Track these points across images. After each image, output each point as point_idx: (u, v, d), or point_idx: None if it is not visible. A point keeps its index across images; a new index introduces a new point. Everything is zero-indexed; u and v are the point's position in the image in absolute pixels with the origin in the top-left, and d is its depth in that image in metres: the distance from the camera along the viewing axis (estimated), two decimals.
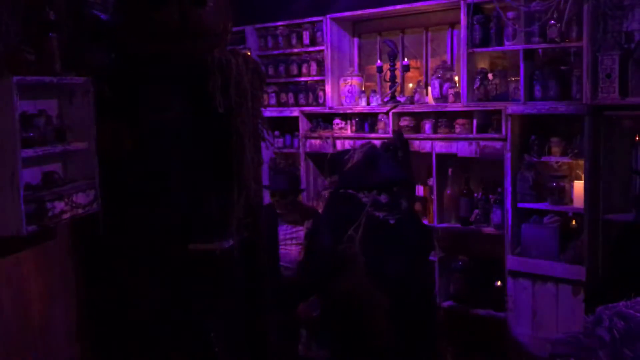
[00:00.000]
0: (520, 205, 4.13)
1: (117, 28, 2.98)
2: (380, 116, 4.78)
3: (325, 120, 5.12)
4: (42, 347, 2.74)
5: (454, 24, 4.70)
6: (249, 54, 3.31)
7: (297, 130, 5.20)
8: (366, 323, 3.41)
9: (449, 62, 4.73)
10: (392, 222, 3.66)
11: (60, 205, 2.50)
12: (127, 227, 2.96)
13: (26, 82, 2.42)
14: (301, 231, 4.36)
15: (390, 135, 4.66)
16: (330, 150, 4.99)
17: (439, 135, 4.48)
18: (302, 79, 5.30)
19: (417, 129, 4.62)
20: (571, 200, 4.03)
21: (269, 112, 4.81)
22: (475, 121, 4.35)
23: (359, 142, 4.86)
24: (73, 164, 2.75)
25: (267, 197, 4.62)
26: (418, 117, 4.64)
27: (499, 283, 4.29)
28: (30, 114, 2.53)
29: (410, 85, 4.96)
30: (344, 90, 5.02)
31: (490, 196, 4.37)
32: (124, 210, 2.93)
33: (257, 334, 3.37)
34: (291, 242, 4.35)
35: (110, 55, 2.93)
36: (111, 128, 2.87)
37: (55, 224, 2.58)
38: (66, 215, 2.54)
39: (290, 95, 5.32)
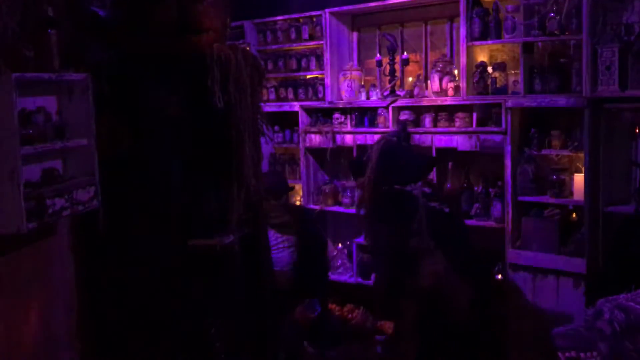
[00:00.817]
0: (520, 198, 4.13)
1: (115, 24, 2.97)
2: (380, 110, 4.78)
3: (325, 114, 5.12)
4: (43, 345, 2.74)
5: (453, 18, 4.69)
6: (248, 49, 3.30)
7: (297, 125, 5.20)
8: (454, 313, 3.42)
9: (448, 56, 4.72)
10: (447, 210, 3.86)
11: (60, 202, 2.50)
12: (127, 224, 2.96)
13: (25, 79, 2.42)
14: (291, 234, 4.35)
15: (390, 128, 4.66)
16: (330, 145, 4.98)
17: (438, 129, 4.48)
18: (302, 73, 5.29)
19: (416, 123, 4.61)
20: (571, 193, 4.03)
21: (268, 107, 4.80)
22: (475, 115, 4.34)
23: (358, 137, 4.86)
24: (73, 161, 2.75)
25: None
26: (418, 111, 4.64)
27: (499, 276, 4.30)
28: (29, 111, 2.53)
29: (410, 79, 4.95)
30: (343, 85, 5.02)
31: (491, 190, 4.37)
32: (124, 206, 2.93)
33: (258, 329, 3.37)
34: (283, 247, 4.33)
35: (109, 51, 2.93)
36: (110, 124, 2.87)
37: (56, 221, 2.58)
38: (66, 212, 2.55)
39: (290, 90, 5.31)
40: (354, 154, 4.90)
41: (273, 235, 4.21)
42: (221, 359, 3.09)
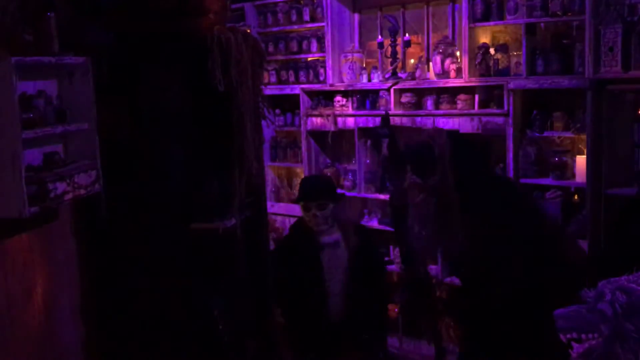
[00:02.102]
0: (522, 180, 4.13)
1: (115, 7, 2.95)
2: (381, 93, 4.76)
3: (326, 97, 5.10)
4: (47, 328, 2.76)
5: None
6: (248, 31, 3.28)
7: (298, 108, 5.18)
8: None
9: (450, 37, 4.69)
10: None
11: (62, 186, 2.50)
12: (129, 207, 2.97)
13: (25, 63, 2.40)
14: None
15: (392, 111, 4.64)
16: (331, 128, 4.97)
17: (440, 112, 4.46)
18: (303, 56, 5.26)
19: (418, 105, 4.60)
20: (573, 175, 4.03)
21: (269, 90, 4.78)
22: (477, 97, 4.33)
23: (360, 120, 4.85)
24: (74, 145, 2.75)
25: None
26: (419, 93, 4.62)
27: None
28: (30, 95, 2.52)
29: (412, 61, 4.92)
30: (344, 67, 4.99)
31: None
32: (125, 190, 2.93)
33: (261, 312, 3.39)
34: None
35: (109, 34, 2.91)
36: (111, 108, 2.86)
37: (58, 205, 2.58)
38: (68, 196, 2.55)
39: (291, 72, 5.29)
40: (356, 136, 4.89)
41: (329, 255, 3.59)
42: (224, 341, 3.11)
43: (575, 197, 4.12)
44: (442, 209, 3.06)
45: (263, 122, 3.38)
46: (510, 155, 4.14)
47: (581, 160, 3.94)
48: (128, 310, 3.00)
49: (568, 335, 1.94)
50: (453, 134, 3.46)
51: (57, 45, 2.58)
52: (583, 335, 1.92)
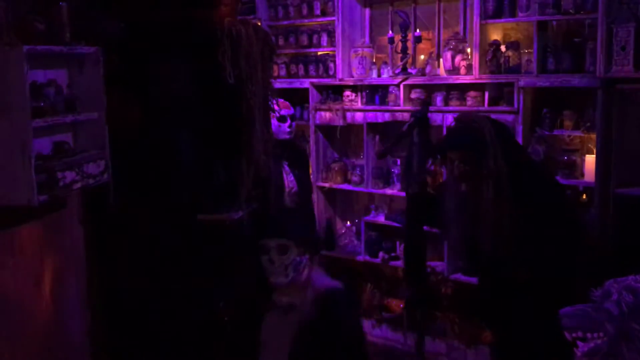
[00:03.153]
0: None
1: None
2: (391, 88, 4.75)
3: (335, 92, 5.09)
4: (54, 315, 2.78)
5: None
6: (259, 24, 3.29)
7: (307, 102, 5.18)
8: None
9: (461, 34, 4.67)
10: None
11: (71, 175, 2.51)
12: (137, 197, 2.98)
13: (36, 52, 2.42)
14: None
15: (401, 107, 4.64)
16: (340, 122, 4.96)
17: (450, 108, 4.45)
18: (313, 50, 5.26)
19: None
20: (582, 174, 4.01)
21: (278, 84, 4.78)
22: (487, 94, 4.31)
23: (369, 115, 4.84)
24: (83, 134, 2.76)
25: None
26: (429, 89, 4.61)
27: None
28: (40, 84, 2.53)
29: (422, 57, 4.91)
30: (354, 62, 4.98)
31: None
32: (133, 180, 2.94)
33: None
34: None
35: (120, 24, 2.92)
36: (120, 98, 2.87)
37: (66, 194, 2.60)
38: (77, 185, 2.56)
39: (301, 66, 5.28)
40: (364, 131, 4.88)
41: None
42: (229, 332, 3.12)
43: (584, 196, 4.10)
44: (494, 197, 2.87)
45: (272, 115, 3.38)
46: None
47: (590, 160, 3.93)
48: (134, 300, 3.01)
49: (574, 334, 1.94)
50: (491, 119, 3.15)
51: (69, 34, 2.59)
52: (589, 334, 1.92)
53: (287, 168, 4.25)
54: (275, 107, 3.88)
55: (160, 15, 2.93)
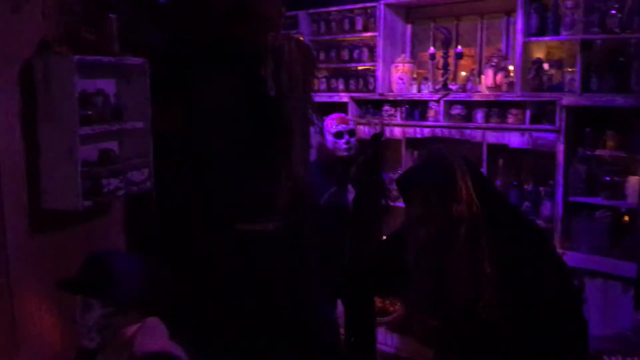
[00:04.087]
0: (571, 198, 4.06)
1: (174, 10, 3.03)
2: (431, 104, 4.74)
3: (374, 106, 5.11)
4: None
5: (510, 12, 4.61)
6: (301, 39, 3.33)
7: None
8: None
9: (503, 51, 4.65)
10: None
11: (115, 182, 2.58)
12: (178, 205, 3.03)
13: (86, 62, 2.49)
14: None
15: (441, 123, 4.62)
16: None
17: (490, 125, 4.42)
18: (353, 64, 5.29)
19: (468, 117, 4.57)
20: (625, 196, 3.93)
21: (318, 98, 4.81)
22: (528, 112, 4.27)
23: (408, 130, 4.84)
24: (128, 143, 2.83)
25: None
26: (470, 105, 4.59)
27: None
28: (89, 93, 2.61)
29: (463, 73, 4.89)
30: (395, 77, 5.00)
31: (541, 188, 4.29)
32: (175, 188, 3.00)
33: (300, 315, 3.41)
34: None
35: (166, 37, 2.99)
36: (165, 108, 2.94)
37: (110, 201, 2.66)
38: (120, 192, 2.62)
39: (341, 80, 5.32)
40: (403, 146, 4.88)
41: None
42: (260, 342, 3.14)
43: (626, 218, 4.02)
44: (465, 244, 2.29)
45: (311, 129, 3.41)
46: (560, 172, 4.07)
47: (634, 181, 3.85)
48: (171, 308, 3.06)
49: (613, 358, 1.91)
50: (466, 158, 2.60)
51: (118, 45, 2.67)
52: (628, 358, 1.89)
53: (350, 188, 3.75)
54: (331, 121, 3.86)
55: (205, 28, 2.99)
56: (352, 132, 3.94)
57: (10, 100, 2.38)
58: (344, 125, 3.92)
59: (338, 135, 3.90)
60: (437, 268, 2.34)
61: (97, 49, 2.61)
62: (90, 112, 2.54)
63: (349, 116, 4.13)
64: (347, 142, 3.90)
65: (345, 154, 3.89)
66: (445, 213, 2.32)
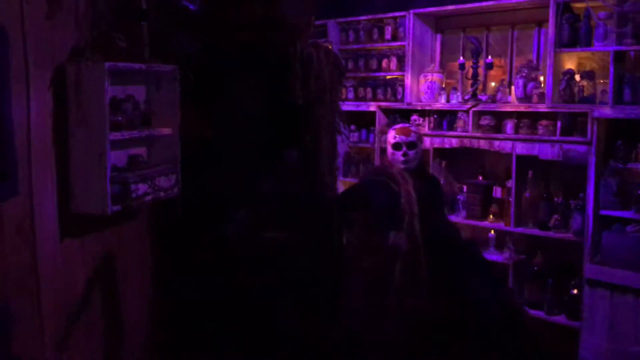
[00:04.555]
0: (602, 212, 3.98)
1: (204, 19, 3.06)
2: (459, 114, 4.71)
3: (402, 116, 5.08)
4: (118, 319, 2.86)
5: (541, 23, 4.57)
6: (330, 47, 3.33)
7: (373, 125, 5.19)
8: None
9: (534, 62, 4.60)
10: None
11: (143, 187, 2.60)
12: (204, 211, 3.05)
13: (117, 68, 2.53)
14: None
15: (469, 133, 4.58)
16: None
17: (520, 136, 4.37)
18: (382, 74, 5.27)
19: (497, 128, 4.52)
20: None
21: (346, 106, 4.82)
22: (559, 123, 4.22)
23: (436, 140, 4.81)
24: (157, 149, 2.86)
25: None
26: (499, 116, 4.54)
27: (575, 291, 4.16)
28: (120, 99, 2.64)
29: (493, 84, 4.85)
30: (423, 87, 4.97)
31: (571, 201, 4.23)
32: (201, 194, 3.01)
33: (324, 329, 3.39)
34: None
35: (196, 44, 3.02)
36: (193, 115, 2.96)
37: (138, 206, 2.68)
38: (148, 198, 2.65)
39: (369, 89, 5.31)
40: (430, 156, 4.85)
41: None
42: (287, 349, 3.13)
43: None
44: (404, 276, 2.19)
45: (338, 137, 3.40)
46: (591, 185, 4.00)
47: None
48: (193, 310, 3.07)
49: None
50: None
51: (148, 53, 2.70)
52: None
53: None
54: (392, 132, 3.70)
55: (235, 37, 3.01)
56: (411, 145, 3.70)
57: (42, 105, 2.42)
58: (403, 137, 3.69)
59: (396, 146, 3.67)
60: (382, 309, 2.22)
61: (128, 56, 2.64)
62: (120, 118, 2.57)
63: (413, 127, 3.89)
64: (405, 154, 3.65)
65: (402, 166, 3.63)
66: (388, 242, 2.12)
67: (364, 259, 2.26)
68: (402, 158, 3.61)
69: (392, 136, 3.69)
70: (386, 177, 2.51)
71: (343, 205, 2.64)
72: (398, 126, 3.78)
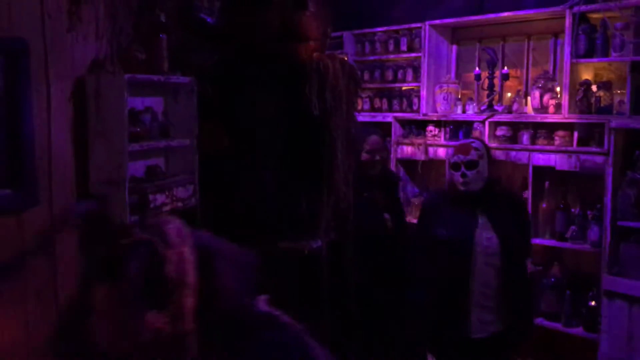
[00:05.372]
0: (620, 223, 3.95)
1: (221, 31, 3.10)
2: (475, 125, 4.71)
3: (418, 126, 5.09)
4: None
5: (557, 33, 4.56)
6: (346, 58, 3.35)
7: (390, 135, 5.20)
8: None
9: (550, 72, 4.59)
10: None
11: (161, 198, 2.63)
12: (220, 222, 3.07)
13: (136, 80, 2.56)
14: None
15: (486, 144, 4.57)
16: (422, 157, 4.95)
17: (536, 147, 4.36)
18: (397, 85, 5.29)
19: (514, 139, 4.51)
20: None
21: (362, 117, 4.83)
22: (576, 134, 4.20)
23: (451, 151, 4.80)
24: (175, 159, 2.89)
25: None
26: (515, 127, 4.53)
27: (592, 303, 4.12)
28: (138, 110, 2.68)
29: (509, 94, 4.85)
30: (439, 97, 4.98)
31: (589, 212, 4.20)
32: (218, 205, 3.04)
33: (341, 334, 3.40)
34: None
35: (214, 56, 3.05)
36: (210, 126, 2.99)
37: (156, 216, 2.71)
38: (166, 208, 2.67)
39: (384, 100, 5.33)
40: (447, 167, 4.85)
41: None
42: None
43: None
44: None
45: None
46: (608, 196, 3.98)
47: None
48: (212, 320, 3.08)
49: None
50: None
51: (167, 64, 2.74)
52: None
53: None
54: (451, 150, 3.42)
55: (252, 49, 3.04)
56: (470, 164, 3.24)
57: (62, 117, 2.46)
58: (461, 156, 3.28)
59: (454, 167, 3.30)
60: None
61: (147, 68, 2.68)
62: (138, 129, 2.61)
63: (476, 143, 3.41)
64: (463, 175, 3.24)
65: (462, 188, 3.26)
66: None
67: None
68: (460, 180, 3.25)
69: (450, 155, 3.37)
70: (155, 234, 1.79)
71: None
72: (457, 143, 3.48)
